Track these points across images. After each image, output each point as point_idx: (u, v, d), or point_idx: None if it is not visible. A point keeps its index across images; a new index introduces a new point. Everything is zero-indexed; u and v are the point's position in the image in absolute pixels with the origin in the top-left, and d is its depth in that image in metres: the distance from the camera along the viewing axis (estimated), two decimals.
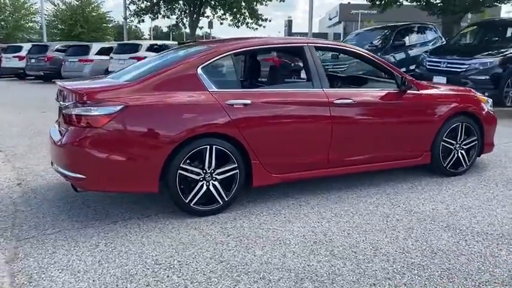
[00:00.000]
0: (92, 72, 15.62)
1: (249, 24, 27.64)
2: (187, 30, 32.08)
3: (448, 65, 9.33)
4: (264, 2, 27.05)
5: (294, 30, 58.69)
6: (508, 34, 10.26)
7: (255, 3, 27.29)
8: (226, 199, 3.75)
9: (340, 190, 4.38)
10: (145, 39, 58.41)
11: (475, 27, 10.94)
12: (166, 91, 3.57)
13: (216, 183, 3.68)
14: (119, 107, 3.37)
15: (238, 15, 27.45)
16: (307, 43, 4.26)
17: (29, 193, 4.32)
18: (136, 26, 43.15)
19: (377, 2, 16.99)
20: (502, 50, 9.14)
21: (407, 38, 12.36)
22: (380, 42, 12.56)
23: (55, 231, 3.43)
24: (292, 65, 9.02)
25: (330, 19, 69.74)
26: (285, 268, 2.87)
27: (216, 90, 3.71)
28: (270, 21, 27.60)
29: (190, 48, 4.32)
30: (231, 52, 3.92)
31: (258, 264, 2.93)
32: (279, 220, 3.66)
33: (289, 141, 3.96)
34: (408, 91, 4.48)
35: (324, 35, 58.91)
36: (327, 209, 3.90)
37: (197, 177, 3.61)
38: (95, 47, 17.52)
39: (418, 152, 4.64)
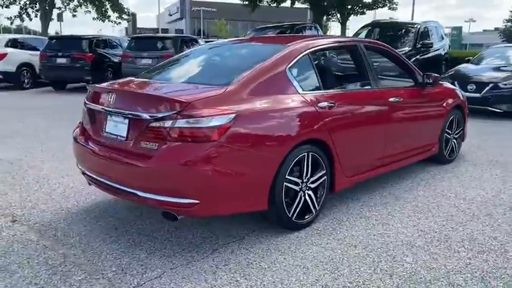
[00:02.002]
0: None
1: (111, 18, 25.51)
2: (39, 22, 28.39)
3: None
4: None
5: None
6: (399, 34, 11.62)
7: None
8: (317, 208, 3.54)
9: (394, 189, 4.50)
10: None
11: (370, 27, 12.10)
12: (263, 95, 3.20)
13: (310, 192, 3.46)
14: (231, 117, 2.90)
15: (97, 8, 25.08)
16: (365, 42, 4.27)
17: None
18: None
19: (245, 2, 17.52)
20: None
21: None
22: None
23: (180, 265, 2.87)
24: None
25: (171, 15, 69.31)
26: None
27: (305, 92, 3.48)
28: (134, 15, 25.95)
29: (243, 46, 3.96)
30: (309, 50, 3.68)
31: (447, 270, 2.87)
32: (376, 222, 3.61)
33: (361, 142, 3.92)
34: (428, 86, 4.80)
35: (164, 31, 58.35)
36: (405, 207, 3.99)
37: (297, 188, 3.34)
38: None
39: (432, 144, 5.01)
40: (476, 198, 4.21)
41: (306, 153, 3.35)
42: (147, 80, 3.74)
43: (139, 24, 60.67)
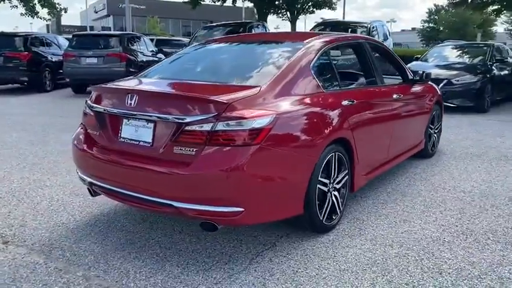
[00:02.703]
0: None
1: (39, 14, 23.53)
2: None
3: None
4: None
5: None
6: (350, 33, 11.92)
7: None
8: (341, 209, 3.47)
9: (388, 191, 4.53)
10: None
11: (322, 26, 12.29)
12: (293, 94, 3.07)
13: (336, 193, 3.37)
14: (272, 118, 2.73)
15: (24, 2, 23.07)
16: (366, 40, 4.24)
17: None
18: None
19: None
20: None
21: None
22: None
23: (222, 279, 2.62)
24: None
25: (96, 12, 66.34)
26: None
27: (328, 90, 3.39)
28: (65, 11, 24.19)
29: (253, 44, 3.77)
30: (326, 47, 3.57)
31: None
32: (395, 221, 3.60)
33: (375, 139, 3.91)
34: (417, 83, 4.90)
35: (90, 29, 55.79)
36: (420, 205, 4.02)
37: (326, 189, 3.24)
38: None
39: (421, 139, 5.14)
40: (474, 190, 4.36)
41: (334, 153, 3.25)
42: (161, 80, 3.44)
43: (62, 22, 57.32)
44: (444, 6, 54.75)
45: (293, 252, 3.04)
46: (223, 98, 2.70)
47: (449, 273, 2.78)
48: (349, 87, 3.72)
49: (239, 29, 13.52)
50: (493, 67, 9.61)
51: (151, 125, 2.85)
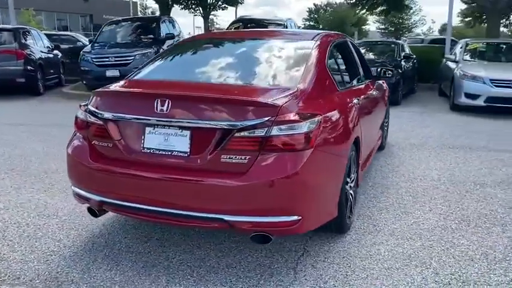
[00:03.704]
0: None
1: None
2: None
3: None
4: None
5: None
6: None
7: None
8: (354, 207, 3.49)
9: None
10: None
11: (240, 23, 12.23)
12: (321, 95, 2.99)
13: (351, 191, 3.38)
14: (319, 119, 2.63)
15: None
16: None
17: None
18: None
19: None
20: None
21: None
22: (133, 35, 12.31)
23: None
24: None
25: None
26: None
27: (340, 89, 3.38)
28: None
29: (261, 41, 3.59)
30: (331, 45, 3.53)
31: None
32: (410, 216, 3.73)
33: (367, 135, 3.98)
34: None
35: None
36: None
37: (348, 189, 3.23)
38: None
39: (381, 133, 5.39)
40: (441, 178, 4.70)
41: (352, 152, 3.25)
42: (176, 82, 3.08)
43: None
44: (322, 5, 58.44)
45: (329, 256, 2.97)
46: (274, 101, 2.53)
47: (479, 259, 2.95)
48: (349, 85, 3.74)
49: (148, 23, 12.91)
50: (402, 62, 10.48)
51: (186, 132, 2.55)
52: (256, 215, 2.47)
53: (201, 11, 18.43)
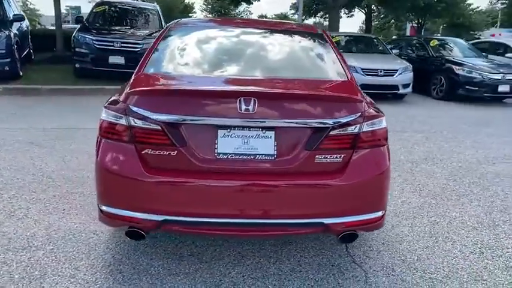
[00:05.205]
0: None
1: None
2: None
3: (123, 45, 9.45)
4: None
5: None
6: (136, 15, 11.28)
7: None
8: None
9: None
10: None
11: (106, 6, 11.04)
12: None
13: None
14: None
15: None
16: None
17: None
18: None
19: None
20: None
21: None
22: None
23: None
24: None
25: None
26: None
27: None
28: None
29: (270, 35, 3.36)
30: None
31: None
32: None
33: None
34: None
35: None
36: None
37: None
38: None
39: None
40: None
41: None
42: (230, 76, 2.72)
43: None
44: None
45: (372, 245, 3.04)
46: (353, 95, 2.46)
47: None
48: None
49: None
50: None
51: (270, 133, 2.30)
52: (353, 215, 2.39)
53: None
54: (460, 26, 34.79)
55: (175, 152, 2.28)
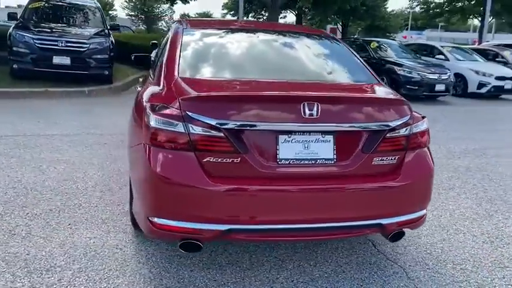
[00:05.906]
0: None
1: None
2: None
3: (68, 44, 8.85)
4: None
5: None
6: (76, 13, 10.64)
7: None
8: None
9: None
10: None
11: (43, 2, 10.23)
12: None
13: None
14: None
15: None
16: None
17: None
18: None
19: None
20: None
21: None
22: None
23: None
24: None
25: None
26: None
27: None
28: None
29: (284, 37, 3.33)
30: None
31: None
32: None
33: None
34: None
35: None
36: None
37: None
38: None
39: None
40: None
41: None
42: (268, 81, 2.66)
43: None
44: None
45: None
46: (404, 99, 2.54)
47: None
48: None
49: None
50: None
51: (329, 137, 2.31)
52: (405, 214, 2.46)
53: None
54: (377, 28, 36.95)
55: (239, 159, 2.21)
